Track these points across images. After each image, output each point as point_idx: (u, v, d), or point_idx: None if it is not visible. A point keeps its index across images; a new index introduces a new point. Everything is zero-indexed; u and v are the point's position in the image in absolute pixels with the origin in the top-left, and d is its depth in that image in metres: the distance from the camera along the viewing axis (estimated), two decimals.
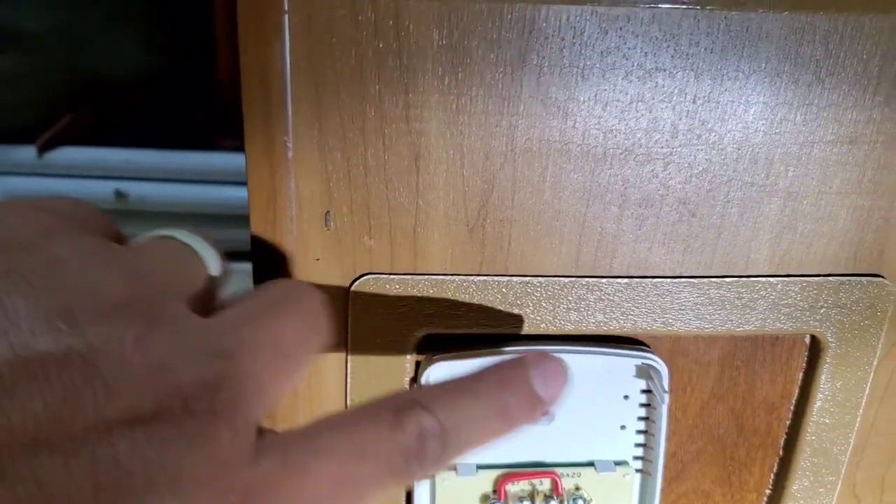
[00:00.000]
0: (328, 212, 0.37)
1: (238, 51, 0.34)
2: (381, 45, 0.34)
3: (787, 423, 0.46)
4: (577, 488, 0.44)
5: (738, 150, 0.38)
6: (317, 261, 0.39)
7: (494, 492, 0.44)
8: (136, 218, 1.33)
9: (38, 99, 1.34)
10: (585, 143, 0.37)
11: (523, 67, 0.35)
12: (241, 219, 1.36)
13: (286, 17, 0.34)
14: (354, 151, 0.36)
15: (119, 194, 1.30)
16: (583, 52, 0.35)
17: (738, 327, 0.41)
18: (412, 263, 0.39)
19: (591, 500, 0.44)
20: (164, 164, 1.31)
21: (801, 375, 0.44)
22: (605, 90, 0.36)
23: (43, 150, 1.30)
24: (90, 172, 1.31)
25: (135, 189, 1.31)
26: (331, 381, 0.42)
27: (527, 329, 0.41)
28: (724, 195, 0.39)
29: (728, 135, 0.37)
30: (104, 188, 1.31)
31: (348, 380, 0.42)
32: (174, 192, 1.31)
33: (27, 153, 1.31)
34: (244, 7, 0.34)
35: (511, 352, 0.42)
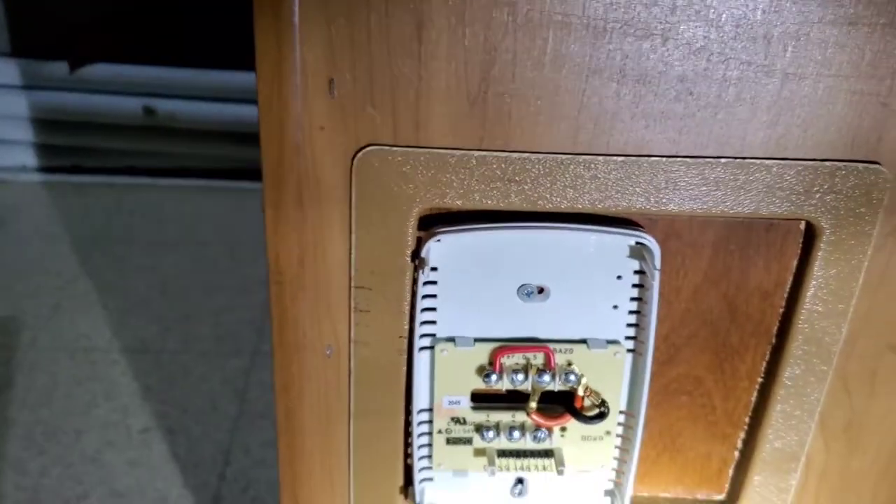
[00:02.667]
0: (332, 79, 0.39)
1: None
2: None
3: (781, 310, 0.47)
4: (570, 364, 0.46)
5: (737, 27, 0.38)
6: (321, 129, 0.40)
7: (490, 363, 0.46)
8: (163, 134, 1.35)
9: (70, 15, 1.36)
10: (586, 15, 0.38)
11: None
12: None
13: None
14: (358, 17, 0.37)
15: (147, 110, 1.32)
16: None
17: (733, 209, 0.42)
18: (414, 136, 0.40)
19: (582, 375, 0.46)
20: (193, 82, 1.32)
21: (795, 262, 0.45)
22: None
23: (74, 66, 1.32)
24: (120, 88, 1.33)
25: (163, 106, 1.33)
26: (336, 254, 0.44)
27: (525, 205, 0.42)
28: (722, 74, 0.39)
29: (727, 12, 0.38)
30: (133, 104, 1.33)
31: (352, 253, 0.43)
32: (202, 110, 1.33)
33: (59, 68, 1.33)
34: None
35: (509, 228, 0.43)
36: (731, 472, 0.52)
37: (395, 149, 0.41)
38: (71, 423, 0.87)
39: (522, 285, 0.45)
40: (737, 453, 0.52)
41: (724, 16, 0.38)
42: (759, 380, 0.49)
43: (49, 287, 1.11)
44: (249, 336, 1.03)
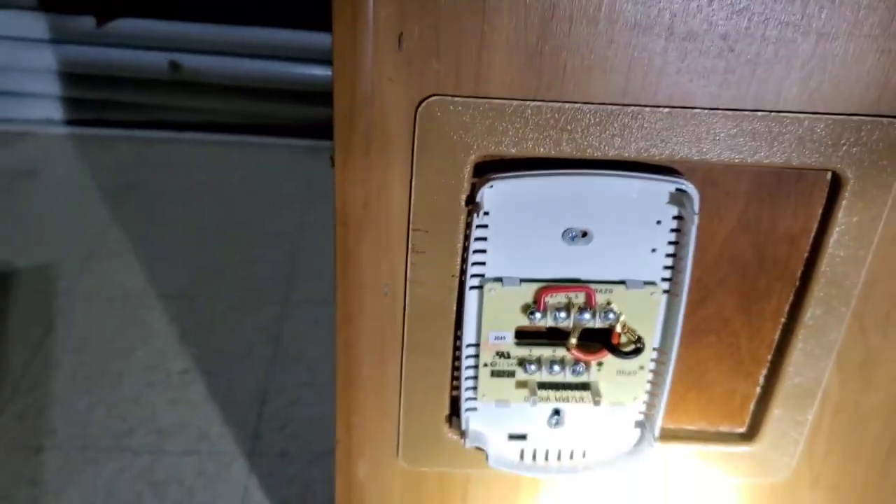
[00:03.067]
0: (401, 34, 0.42)
1: None
2: None
3: (805, 255, 0.50)
4: (609, 303, 0.50)
5: None
6: (390, 80, 0.43)
7: (535, 302, 0.50)
8: (188, 89, 1.37)
9: None
10: None
11: None
12: (288, 94, 1.41)
13: None
14: None
15: (173, 65, 1.34)
16: None
17: (767, 159, 0.46)
18: (474, 87, 0.44)
19: (620, 314, 0.50)
20: (218, 38, 1.34)
21: (820, 210, 0.49)
22: None
23: (101, 20, 1.34)
24: (146, 43, 1.36)
25: (189, 61, 1.35)
26: (397, 198, 0.47)
27: (574, 153, 0.45)
28: (762, 33, 0.42)
29: None
30: (159, 59, 1.35)
31: (412, 197, 0.47)
32: (227, 65, 1.35)
33: (86, 23, 1.35)
34: None
35: (557, 175, 0.47)
36: (752, 406, 0.57)
37: (456, 99, 0.44)
38: (113, 366, 0.91)
39: (567, 229, 0.48)
40: (759, 389, 0.56)
41: None
42: (783, 320, 0.53)
43: (82, 236, 1.15)
44: (279, 285, 1.07)
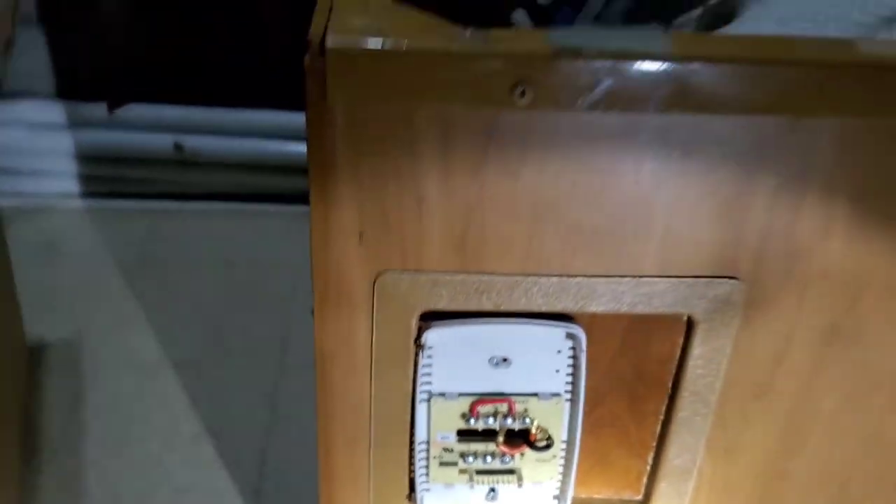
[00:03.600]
0: (361, 232, 0.58)
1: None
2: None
3: (673, 372, 0.66)
4: (526, 410, 0.66)
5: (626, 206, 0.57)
6: (353, 261, 0.59)
7: (470, 411, 0.65)
8: (191, 166, 1.53)
9: (108, 60, 1.53)
10: (524, 195, 0.57)
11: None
12: (279, 168, 1.57)
13: None
14: (378, 195, 0.56)
15: (177, 146, 1.50)
16: None
17: (635, 310, 0.62)
18: (417, 264, 0.59)
19: (534, 418, 0.66)
20: (219, 120, 1.50)
21: (681, 340, 0.65)
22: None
23: (112, 107, 1.50)
24: (153, 126, 1.52)
25: (191, 142, 1.51)
26: (361, 338, 0.63)
27: (493, 308, 0.61)
28: (622, 223, 0.58)
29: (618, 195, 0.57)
30: (165, 140, 1.51)
31: (374, 338, 0.63)
32: (227, 145, 1.51)
33: (99, 109, 1.51)
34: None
35: (482, 323, 0.63)
36: (644, 479, 0.73)
37: (403, 273, 0.60)
38: (135, 431, 1.07)
39: (492, 357, 0.64)
40: (648, 467, 0.72)
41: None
42: (661, 417, 0.69)
43: (103, 307, 1.30)
44: (275, 350, 1.23)
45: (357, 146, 0.54)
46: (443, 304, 0.61)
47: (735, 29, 0.64)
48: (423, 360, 0.63)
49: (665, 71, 0.52)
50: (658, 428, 0.69)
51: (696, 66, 0.52)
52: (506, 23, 0.77)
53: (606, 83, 0.52)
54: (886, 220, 0.60)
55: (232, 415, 1.10)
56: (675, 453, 0.69)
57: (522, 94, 0.52)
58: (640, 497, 0.74)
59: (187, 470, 1.01)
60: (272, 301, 1.33)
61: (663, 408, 0.68)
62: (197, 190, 1.57)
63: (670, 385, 0.67)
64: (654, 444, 0.70)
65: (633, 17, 0.74)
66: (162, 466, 1.01)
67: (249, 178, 1.55)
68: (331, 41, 0.51)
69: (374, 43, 0.51)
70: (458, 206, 0.57)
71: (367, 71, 0.52)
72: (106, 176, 1.57)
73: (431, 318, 0.63)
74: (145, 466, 1.01)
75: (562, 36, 0.53)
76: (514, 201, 0.57)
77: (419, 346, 0.63)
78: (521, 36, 0.56)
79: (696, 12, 0.69)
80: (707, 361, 0.65)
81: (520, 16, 0.77)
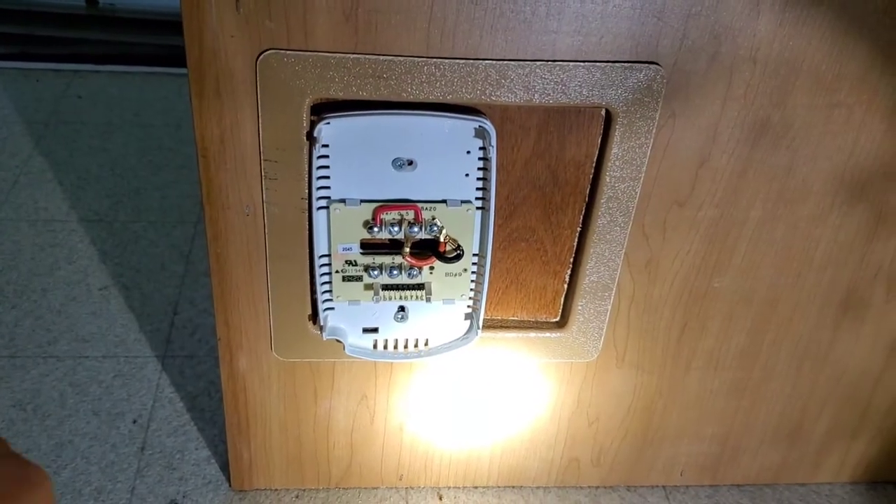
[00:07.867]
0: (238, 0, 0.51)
1: None
2: None
3: (590, 176, 0.62)
4: (433, 218, 0.61)
5: None
6: (232, 37, 0.52)
7: (373, 219, 0.60)
8: (106, 23, 1.42)
9: None
10: None
11: None
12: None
13: None
14: None
15: (89, 1, 1.38)
16: None
17: (549, 101, 0.56)
18: (303, 42, 0.53)
19: (443, 227, 0.61)
20: None
21: (599, 139, 0.60)
22: None
23: None
24: None
25: None
26: (248, 134, 0.57)
27: (392, 97, 0.55)
28: (535, 4, 0.52)
29: None
30: None
31: (260, 133, 0.57)
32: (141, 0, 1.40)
33: None
34: None
35: (382, 114, 0.57)
36: (561, 300, 0.69)
37: (288, 52, 0.53)
38: (37, 283, 1.00)
39: (396, 158, 0.59)
40: (565, 285, 0.68)
41: None
42: (578, 229, 0.65)
43: (7, 165, 1.21)
44: (192, 207, 1.16)
45: None
46: (335, 91, 0.55)
47: None
48: (317, 161, 0.58)
49: None
50: (575, 242, 0.65)
51: None
52: None
53: None
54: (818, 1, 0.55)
55: (145, 270, 1.04)
56: (593, 268, 0.66)
57: None
58: (556, 318, 0.70)
59: (93, 320, 0.95)
60: (189, 163, 1.25)
61: (580, 218, 0.64)
62: (112, 51, 1.46)
63: (587, 191, 0.63)
64: (571, 258, 0.66)
65: None
66: (65, 316, 0.95)
67: (168, 38, 1.44)
68: None
69: None
70: None
71: None
72: (17, 34, 1.45)
73: (328, 109, 0.57)
74: (47, 317, 0.95)
75: None
76: None
77: (313, 140, 0.57)
78: None
79: None
80: (625, 163, 0.60)
81: None
